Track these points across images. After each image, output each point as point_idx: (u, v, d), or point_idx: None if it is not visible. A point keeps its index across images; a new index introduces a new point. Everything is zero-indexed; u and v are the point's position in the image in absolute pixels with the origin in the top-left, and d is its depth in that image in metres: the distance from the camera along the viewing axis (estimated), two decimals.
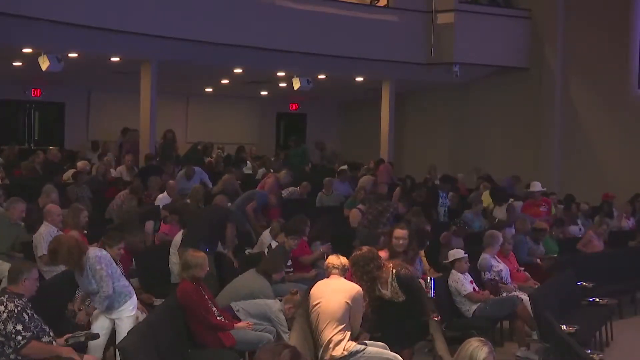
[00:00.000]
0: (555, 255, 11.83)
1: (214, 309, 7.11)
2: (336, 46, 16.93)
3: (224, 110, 22.79)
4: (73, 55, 15.28)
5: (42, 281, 7.72)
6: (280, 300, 7.81)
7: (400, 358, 6.59)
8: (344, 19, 17.25)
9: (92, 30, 13.83)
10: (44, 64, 14.60)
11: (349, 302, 6.55)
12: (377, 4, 18.66)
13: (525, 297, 8.98)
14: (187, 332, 6.94)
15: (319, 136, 22.55)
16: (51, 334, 6.05)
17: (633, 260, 12.09)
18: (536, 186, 14.56)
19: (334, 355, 6.43)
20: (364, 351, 6.47)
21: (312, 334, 6.64)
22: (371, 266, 6.82)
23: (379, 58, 17.70)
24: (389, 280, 6.88)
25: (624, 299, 11.20)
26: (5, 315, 5.77)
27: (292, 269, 9.62)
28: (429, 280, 7.83)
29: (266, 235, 10.44)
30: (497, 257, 9.85)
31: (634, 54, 18.42)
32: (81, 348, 6.37)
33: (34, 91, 19.97)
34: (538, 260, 11.46)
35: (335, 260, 6.84)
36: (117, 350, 6.17)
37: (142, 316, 7.02)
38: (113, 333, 6.74)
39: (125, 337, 6.04)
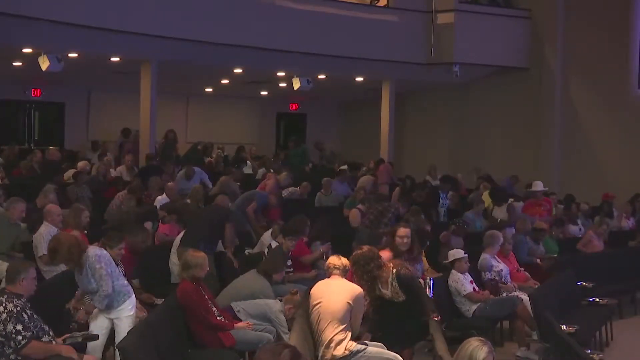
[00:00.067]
0: (555, 255, 11.83)
1: (214, 309, 7.11)
2: (336, 46, 16.93)
3: (224, 110, 22.79)
4: (73, 55, 15.29)
5: (42, 281, 7.75)
6: (280, 301, 7.82)
7: (401, 358, 6.60)
8: (344, 19, 17.25)
9: (92, 30, 13.84)
10: (44, 64, 14.61)
11: (351, 302, 6.55)
12: (377, 4, 18.66)
13: (525, 297, 8.98)
14: (187, 332, 6.94)
15: (319, 136, 22.56)
16: (51, 333, 6.05)
17: (633, 260, 12.09)
18: (538, 186, 14.56)
19: (335, 355, 6.44)
20: (365, 351, 6.49)
21: (312, 333, 6.64)
22: (371, 265, 6.83)
23: (379, 58, 17.71)
24: (389, 280, 6.89)
25: (624, 299, 11.20)
26: (4, 315, 5.77)
27: (292, 269, 9.62)
28: (428, 280, 7.83)
29: (267, 236, 10.43)
30: (497, 257, 9.85)
31: (634, 54, 18.42)
32: (81, 348, 6.36)
33: (34, 91, 19.98)
34: (538, 260, 11.46)
35: (337, 260, 6.84)
36: (116, 350, 6.17)
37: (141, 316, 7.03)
38: (112, 333, 6.75)
39: (125, 337, 6.04)
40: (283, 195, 13.72)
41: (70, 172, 13.96)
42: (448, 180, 15.33)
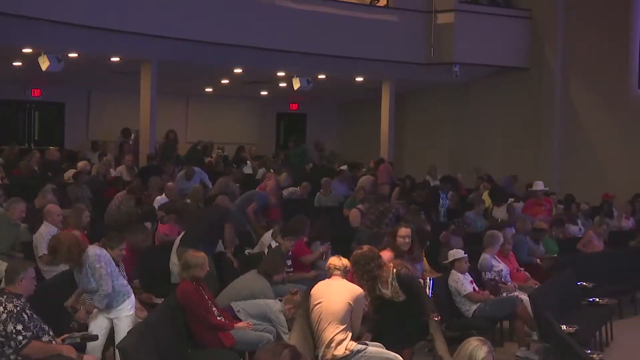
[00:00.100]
0: (555, 255, 11.82)
1: (214, 309, 7.11)
2: (336, 46, 16.93)
3: (224, 110, 22.79)
4: (73, 55, 15.29)
5: (42, 281, 7.75)
6: (280, 301, 7.82)
7: (401, 358, 6.60)
8: (344, 19, 17.25)
9: (92, 30, 13.84)
10: (44, 64, 14.61)
11: (351, 302, 6.56)
12: (377, 4, 18.67)
13: (525, 297, 8.98)
14: (187, 332, 6.94)
15: (318, 136, 22.54)
16: (51, 333, 6.05)
17: (633, 260, 12.09)
18: (539, 185, 14.57)
19: (335, 355, 6.45)
20: (365, 351, 6.49)
21: (312, 333, 6.65)
22: (372, 265, 6.84)
23: (379, 58, 17.71)
24: (390, 279, 6.89)
25: (624, 299, 11.20)
26: (4, 315, 5.77)
27: (292, 269, 9.63)
28: (427, 280, 7.83)
29: (267, 236, 10.43)
30: (497, 257, 9.85)
31: (634, 54, 18.42)
32: (80, 348, 6.37)
33: (34, 91, 19.97)
34: (538, 260, 11.45)
35: (337, 261, 6.85)
36: (116, 350, 6.17)
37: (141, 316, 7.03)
38: (112, 333, 6.75)
39: (125, 337, 6.04)
40: (283, 196, 13.72)
41: (71, 172, 13.97)
42: (448, 180, 15.34)
